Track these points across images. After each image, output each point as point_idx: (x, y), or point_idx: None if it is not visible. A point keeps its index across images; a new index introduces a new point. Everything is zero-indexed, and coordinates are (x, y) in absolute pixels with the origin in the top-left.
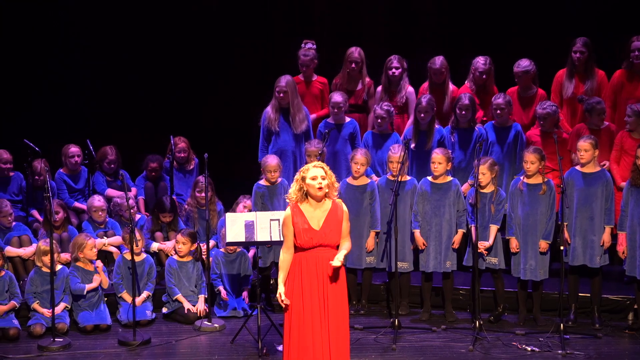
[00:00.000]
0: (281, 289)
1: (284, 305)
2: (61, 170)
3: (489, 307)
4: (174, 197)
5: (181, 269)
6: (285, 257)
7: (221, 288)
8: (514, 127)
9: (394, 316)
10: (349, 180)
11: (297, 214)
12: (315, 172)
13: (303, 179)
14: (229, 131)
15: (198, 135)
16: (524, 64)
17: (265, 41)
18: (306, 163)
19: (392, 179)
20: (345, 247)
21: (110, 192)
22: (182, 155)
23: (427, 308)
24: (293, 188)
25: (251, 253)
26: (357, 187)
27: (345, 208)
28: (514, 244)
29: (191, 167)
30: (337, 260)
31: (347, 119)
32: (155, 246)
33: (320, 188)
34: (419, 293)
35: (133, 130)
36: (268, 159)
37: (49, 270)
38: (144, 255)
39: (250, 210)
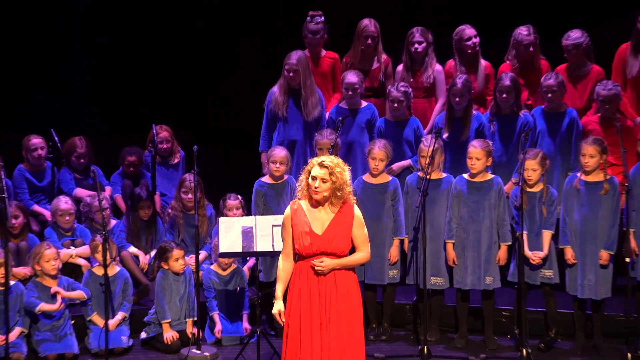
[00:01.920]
0: (279, 305)
1: (282, 323)
2: (22, 165)
3: (538, 332)
4: (157, 194)
5: (174, 284)
6: (284, 266)
7: (216, 316)
8: (568, 113)
9: (423, 342)
10: (367, 177)
11: (298, 215)
12: (317, 172)
13: (308, 173)
14: (227, 130)
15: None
16: (574, 35)
17: (266, 34)
18: (317, 156)
19: (423, 176)
20: (354, 257)
21: (80, 192)
22: (165, 146)
23: (463, 333)
24: (300, 180)
25: (249, 264)
26: (376, 186)
27: (357, 212)
28: (569, 254)
29: (176, 160)
30: (319, 263)
31: (364, 103)
32: (133, 250)
33: (315, 192)
34: (453, 314)
35: (114, 123)
36: (276, 149)
37: None
38: (117, 268)
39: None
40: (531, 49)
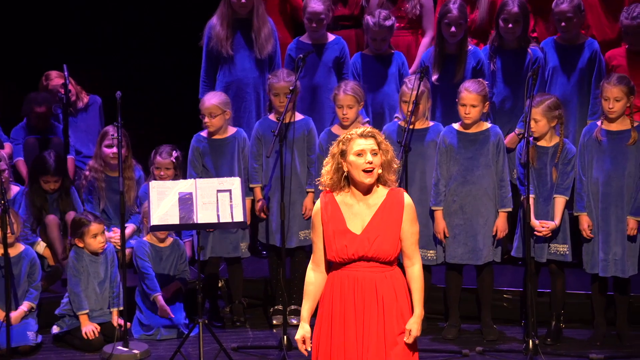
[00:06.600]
0: (305, 328)
1: (305, 353)
2: None
3: (549, 318)
4: (70, 156)
5: (91, 266)
6: (314, 278)
7: (160, 298)
8: (587, 46)
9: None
10: (336, 129)
11: (330, 209)
12: (363, 145)
13: (342, 153)
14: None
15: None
16: None
17: None
18: (270, 103)
19: (405, 126)
20: (418, 284)
21: None
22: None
23: (455, 320)
24: (326, 168)
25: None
26: None
27: (408, 200)
28: (585, 223)
29: (85, 99)
30: (409, 334)
31: (331, 37)
32: (42, 247)
33: (369, 171)
34: (441, 298)
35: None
36: (206, 96)
37: None
38: (21, 247)
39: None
40: None
